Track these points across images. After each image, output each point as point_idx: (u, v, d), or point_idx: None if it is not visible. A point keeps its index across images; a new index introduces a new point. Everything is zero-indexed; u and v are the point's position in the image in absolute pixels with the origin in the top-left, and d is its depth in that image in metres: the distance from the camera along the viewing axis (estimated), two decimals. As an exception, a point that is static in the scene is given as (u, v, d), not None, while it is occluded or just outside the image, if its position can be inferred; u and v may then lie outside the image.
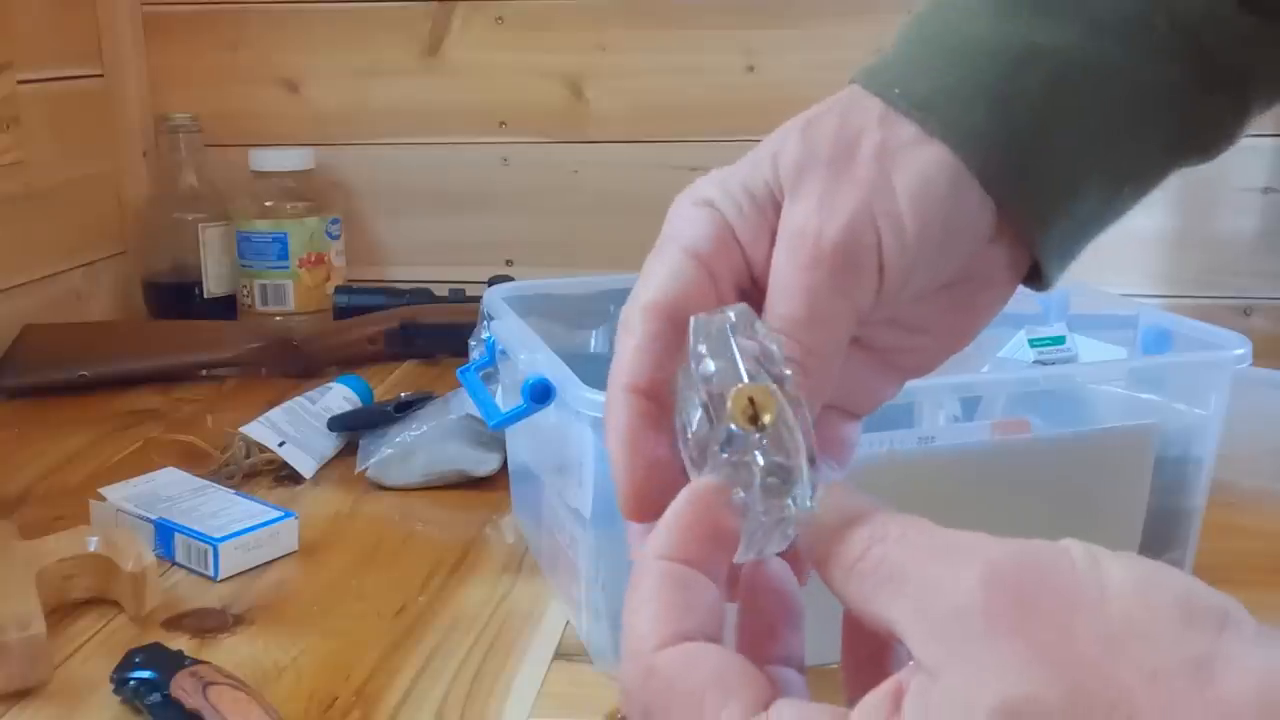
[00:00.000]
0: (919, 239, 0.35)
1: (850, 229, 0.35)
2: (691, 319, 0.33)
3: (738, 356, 0.32)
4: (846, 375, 0.37)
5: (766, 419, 0.31)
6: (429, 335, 1.16)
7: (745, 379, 0.31)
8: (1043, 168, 0.36)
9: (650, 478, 0.34)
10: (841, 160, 0.35)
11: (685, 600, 0.30)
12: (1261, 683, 0.24)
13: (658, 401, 0.35)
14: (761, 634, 0.33)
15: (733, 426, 0.31)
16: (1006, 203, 0.36)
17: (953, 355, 0.40)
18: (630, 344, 0.35)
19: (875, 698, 0.27)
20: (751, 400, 0.31)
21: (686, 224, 0.37)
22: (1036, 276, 0.39)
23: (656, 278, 0.36)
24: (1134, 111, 0.37)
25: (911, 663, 0.27)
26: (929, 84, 0.36)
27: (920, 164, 0.35)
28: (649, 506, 0.34)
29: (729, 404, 0.31)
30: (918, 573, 0.28)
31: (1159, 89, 0.37)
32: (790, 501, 0.31)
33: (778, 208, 0.36)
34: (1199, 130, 0.38)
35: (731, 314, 0.33)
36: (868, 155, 0.35)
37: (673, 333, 0.35)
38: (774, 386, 0.31)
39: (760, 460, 0.31)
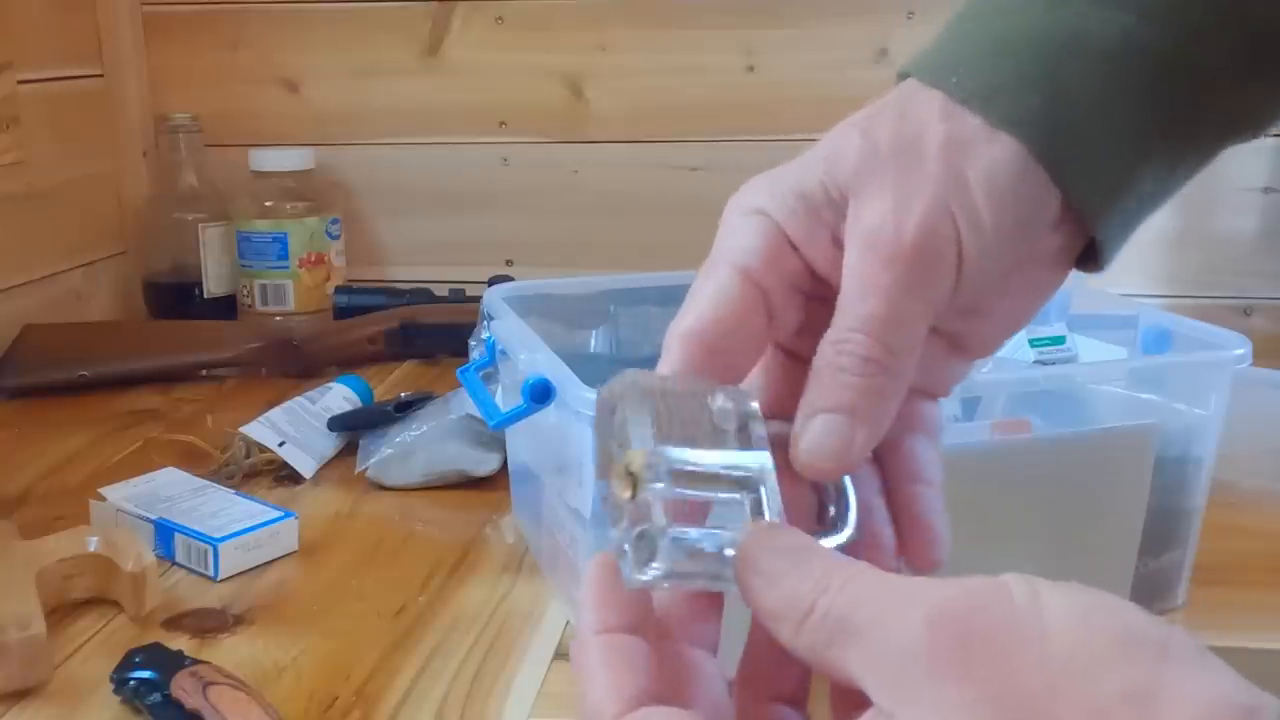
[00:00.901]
0: (995, 231, 0.35)
1: (928, 225, 0.35)
2: (607, 388, 0.34)
3: (627, 427, 0.33)
4: (921, 361, 0.37)
5: (632, 493, 0.32)
6: (429, 335, 1.16)
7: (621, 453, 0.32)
8: (1103, 153, 0.36)
9: None
10: (909, 156, 0.35)
11: (629, 663, 0.31)
12: (1201, 713, 0.24)
13: None
14: (762, 668, 0.34)
15: (606, 494, 0.33)
16: (1072, 189, 0.36)
17: (1014, 335, 0.41)
18: (663, 371, 0.36)
19: None
20: (629, 470, 0.32)
21: (736, 237, 0.37)
22: (1090, 259, 0.39)
23: (699, 302, 0.36)
24: (1186, 94, 0.37)
25: (872, 709, 0.28)
26: (985, 74, 0.36)
27: (990, 156, 0.35)
28: None
29: (611, 473, 0.33)
30: (866, 620, 0.28)
31: (1209, 71, 0.37)
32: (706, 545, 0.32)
33: (835, 208, 0.36)
34: (1250, 109, 0.38)
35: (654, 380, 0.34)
36: (935, 149, 0.35)
37: (707, 360, 0.35)
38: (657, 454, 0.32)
39: (634, 525, 0.32)
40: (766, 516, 0.33)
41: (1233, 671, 0.26)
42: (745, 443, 0.34)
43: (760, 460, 0.33)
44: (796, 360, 0.38)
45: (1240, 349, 0.63)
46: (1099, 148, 0.36)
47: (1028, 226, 0.36)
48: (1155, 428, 0.64)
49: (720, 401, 0.34)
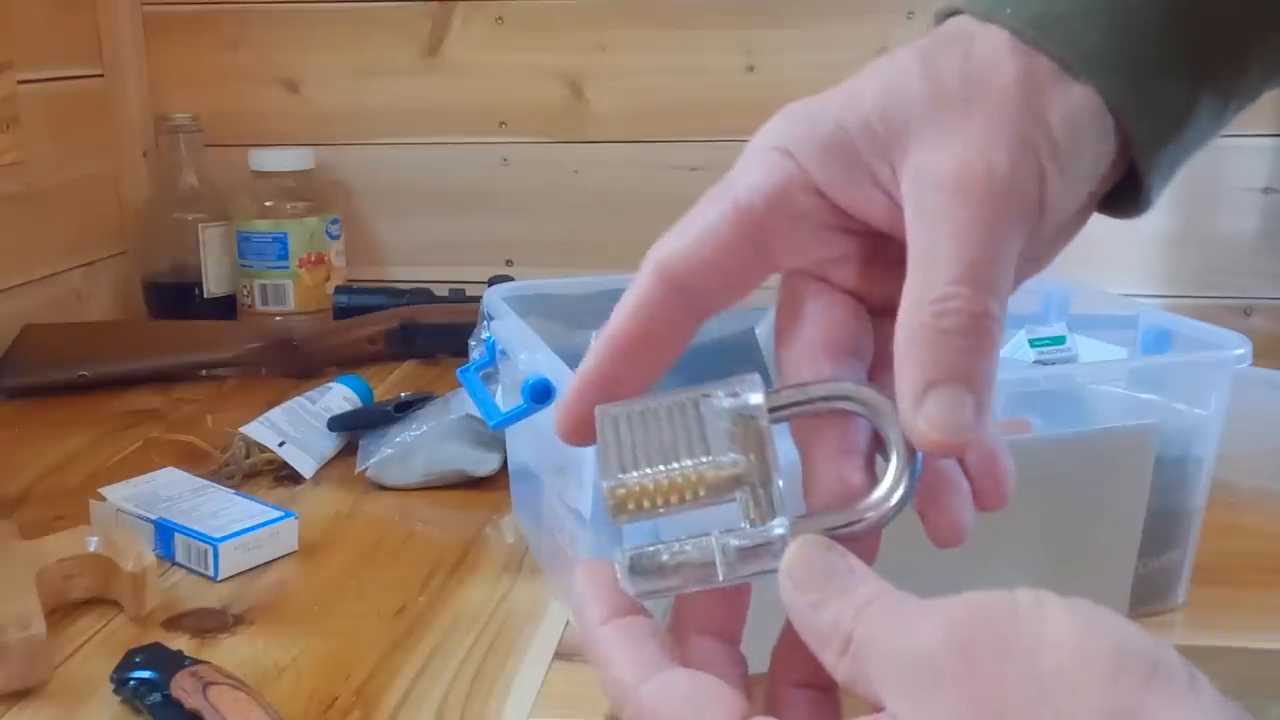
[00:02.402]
0: (1074, 174, 0.34)
1: (1019, 165, 0.33)
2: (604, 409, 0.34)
3: (618, 449, 0.33)
4: None
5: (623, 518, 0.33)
6: (429, 335, 1.16)
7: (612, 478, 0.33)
8: (1164, 92, 0.35)
9: (585, 402, 0.35)
10: (983, 96, 0.33)
11: (639, 638, 0.32)
12: None
13: (631, 359, 0.35)
14: (795, 654, 0.34)
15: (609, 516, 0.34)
16: (1132, 130, 0.35)
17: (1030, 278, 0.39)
18: (626, 300, 0.35)
19: None
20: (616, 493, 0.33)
21: (751, 170, 0.36)
22: (1122, 203, 0.37)
23: (687, 233, 0.35)
24: (1241, 30, 0.36)
25: (884, 711, 0.28)
26: (1044, 6, 0.34)
27: (1068, 98, 0.34)
28: (580, 426, 0.35)
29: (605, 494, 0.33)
30: (889, 648, 0.29)
31: (1269, 5, 0.36)
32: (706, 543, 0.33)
33: (880, 148, 0.34)
34: None
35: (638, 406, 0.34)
36: (1010, 88, 0.33)
37: (673, 298, 0.35)
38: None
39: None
40: (769, 514, 0.33)
41: (1222, 701, 0.26)
42: (744, 439, 0.33)
43: (748, 457, 0.33)
44: (841, 293, 0.37)
45: (1240, 349, 0.63)
46: (1159, 85, 0.35)
47: (1095, 170, 0.35)
48: (1155, 428, 0.64)
49: (716, 401, 0.34)
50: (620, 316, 0.36)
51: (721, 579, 0.32)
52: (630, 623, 0.32)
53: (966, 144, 0.33)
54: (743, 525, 0.33)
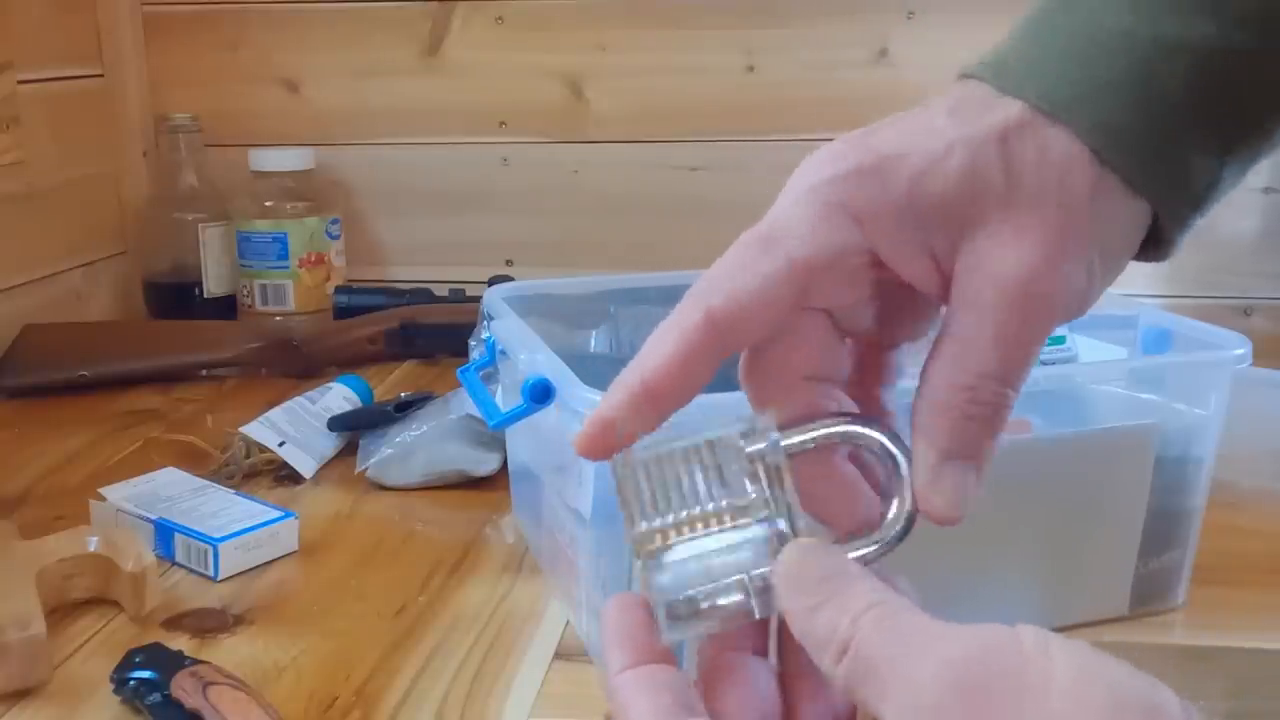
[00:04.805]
0: (1118, 266, 0.36)
1: (1075, 276, 0.35)
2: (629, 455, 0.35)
3: (643, 497, 0.34)
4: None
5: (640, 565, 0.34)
6: (429, 335, 1.16)
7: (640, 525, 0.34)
8: (1193, 168, 0.36)
9: (610, 434, 0.35)
10: (1058, 203, 0.34)
11: (659, 686, 0.33)
12: None
13: (667, 399, 0.35)
14: (801, 677, 0.35)
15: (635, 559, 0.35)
16: (1166, 214, 0.36)
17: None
18: (668, 341, 0.35)
19: None
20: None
21: (812, 223, 0.35)
22: (1149, 252, 0.38)
23: (739, 283, 0.35)
24: (1269, 96, 0.36)
25: None
26: (1073, 86, 0.35)
27: (1131, 216, 0.35)
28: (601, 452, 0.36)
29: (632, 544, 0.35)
30: (889, 665, 0.29)
31: None
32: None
33: (945, 225, 0.35)
34: None
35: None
36: (1084, 204, 0.35)
37: (718, 342, 0.35)
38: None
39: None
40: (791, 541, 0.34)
41: None
42: (764, 478, 0.35)
43: (768, 496, 0.34)
44: (819, 313, 0.37)
45: (1240, 349, 0.63)
46: (1192, 166, 0.36)
47: (1131, 251, 0.37)
48: (1155, 428, 0.64)
49: (732, 441, 0.35)
50: (663, 358, 0.35)
51: (758, 614, 0.34)
52: (650, 670, 0.33)
53: (1034, 250, 0.34)
54: (768, 562, 0.34)
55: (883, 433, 0.36)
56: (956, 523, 0.35)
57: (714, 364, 0.35)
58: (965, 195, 0.35)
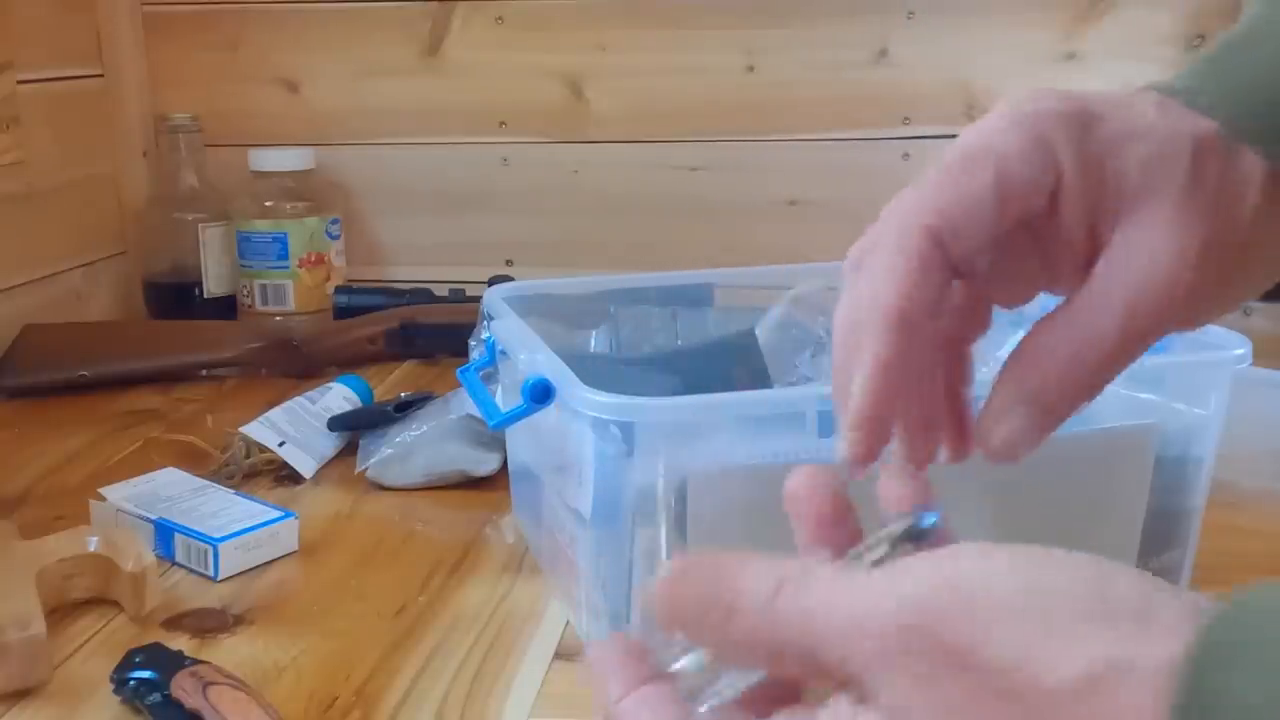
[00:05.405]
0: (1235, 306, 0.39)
1: (1201, 289, 0.36)
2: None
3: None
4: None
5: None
6: (429, 335, 1.16)
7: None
8: None
9: (886, 404, 0.35)
10: (1226, 218, 0.36)
11: (660, 703, 0.32)
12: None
13: (916, 335, 0.35)
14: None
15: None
16: None
17: None
18: (890, 268, 0.35)
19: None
20: None
21: (1023, 145, 0.36)
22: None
23: (952, 195, 0.36)
24: None
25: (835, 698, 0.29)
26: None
27: None
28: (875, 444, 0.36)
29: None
30: (837, 611, 0.29)
31: None
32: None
33: (1126, 193, 0.36)
34: None
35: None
36: (1247, 223, 0.36)
37: (942, 261, 0.35)
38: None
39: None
40: None
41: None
42: None
43: None
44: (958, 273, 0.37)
45: (1240, 349, 0.63)
46: None
47: None
48: (1155, 428, 0.64)
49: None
50: (893, 286, 0.35)
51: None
52: (649, 690, 0.33)
53: (1181, 252, 0.36)
54: None
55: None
56: (1013, 460, 0.37)
57: (946, 284, 0.36)
58: (1149, 179, 0.36)
